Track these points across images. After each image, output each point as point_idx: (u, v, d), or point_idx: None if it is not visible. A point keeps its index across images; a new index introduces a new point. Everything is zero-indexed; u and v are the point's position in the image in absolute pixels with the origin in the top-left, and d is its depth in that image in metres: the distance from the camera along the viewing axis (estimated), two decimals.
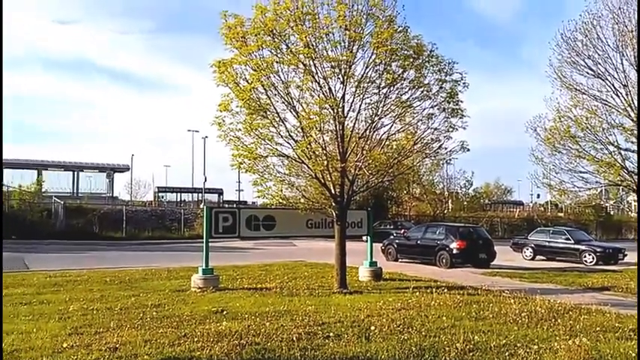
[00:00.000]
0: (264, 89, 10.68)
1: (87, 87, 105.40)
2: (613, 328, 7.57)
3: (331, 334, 7.01)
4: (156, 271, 14.18)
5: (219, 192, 60.63)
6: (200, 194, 57.36)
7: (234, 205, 48.59)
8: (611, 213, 56.53)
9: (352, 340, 6.70)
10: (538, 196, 68.81)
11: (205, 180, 53.87)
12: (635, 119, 16.01)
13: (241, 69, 10.73)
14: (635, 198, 20.10)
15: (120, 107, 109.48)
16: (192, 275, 11.51)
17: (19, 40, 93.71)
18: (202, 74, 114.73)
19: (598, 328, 7.55)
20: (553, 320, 8.09)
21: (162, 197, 60.29)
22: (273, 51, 10.52)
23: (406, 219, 39.19)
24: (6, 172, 42.78)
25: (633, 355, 6.12)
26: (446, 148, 11.79)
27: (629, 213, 63.06)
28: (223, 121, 10.83)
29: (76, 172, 48.77)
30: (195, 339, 6.59)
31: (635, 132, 16.03)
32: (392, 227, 31.40)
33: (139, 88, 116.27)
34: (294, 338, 6.71)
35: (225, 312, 8.49)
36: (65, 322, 7.58)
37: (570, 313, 8.72)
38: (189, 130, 59.03)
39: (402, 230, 26.19)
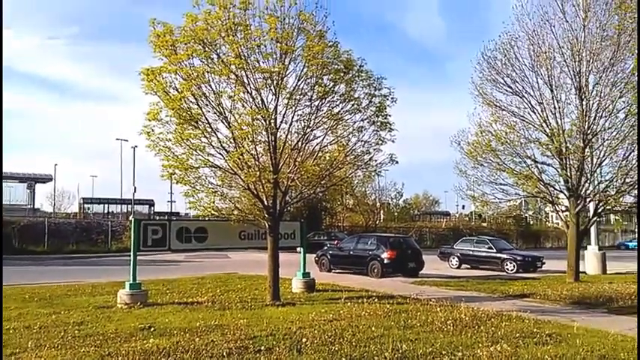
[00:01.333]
0: (195, 99, 10.51)
1: (8, 93, 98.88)
2: (532, 334, 8.01)
3: (262, 347, 6.94)
4: (79, 286, 13.49)
5: (150, 203, 58.64)
6: (129, 205, 55.21)
7: (166, 217, 47.18)
8: (531, 223, 60.11)
9: (283, 353, 6.67)
10: (463, 207, 72.09)
11: (135, 191, 51.87)
12: (549, 134, 17.18)
13: (171, 78, 10.51)
14: (551, 209, 21.45)
15: (44, 115, 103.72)
16: (119, 290, 11.04)
17: None
18: (132, 83, 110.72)
19: (518, 334, 7.96)
20: (476, 327, 8.45)
21: (89, 209, 57.48)
22: (204, 60, 10.39)
23: (340, 230, 39.68)
24: None
25: (549, 359, 6.50)
26: (376, 160, 12.11)
27: (547, 223, 67.33)
28: (152, 130, 10.55)
29: None
30: (120, 358, 6.31)
31: (551, 147, 17.20)
32: (326, 238, 31.65)
33: (64, 95, 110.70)
34: (225, 354, 6.59)
35: (152, 328, 8.19)
36: None
37: (492, 320, 9.14)
38: (117, 139, 56.79)
39: (336, 241, 26.47)
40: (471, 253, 23.75)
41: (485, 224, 55.00)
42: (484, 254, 23.23)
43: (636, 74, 15.69)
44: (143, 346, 6.93)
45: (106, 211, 57.13)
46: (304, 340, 7.35)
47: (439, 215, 71.18)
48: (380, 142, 11.80)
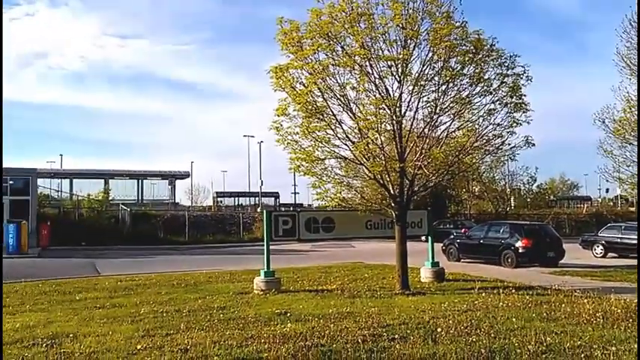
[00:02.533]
0: (321, 92, 10.77)
1: (145, 99, 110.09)
2: None
3: (396, 336, 6.93)
4: (219, 274, 14.57)
5: (276, 195, 61.59)
6: (257, 198, 58.49)
7: (291, 208, 49.21)
8: None
9: (418, 343, 6.59)
10: (607, 190, 65.41)
11: (262, 184, 54.86)
12: None
13: (297, 73, 10.88)
14: None
15: (179, 116, 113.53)
16: (255, 278, 11.73)
17: (81, 56, 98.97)
18: (257, 82, 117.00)
19: None
20: (630, 320, 7.64)
21: (221, 202, 61.92)
22: (328, 54, 10.59)
23: (466, 218, 38.22)
24: (75, 182, 45.51)
25: None
26: (509, 144, 11.45)
27: None
28: (281, 125, 11.02)
29: (140, 180, 50.94)
30: (262, 340, 6.69)
31: None
32: (452, 226, 30.73)
33: (195, 97, 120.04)
34: (359, 340, 6.68)
35: (288, 314, 8.58)
36: (137, 325, 7.91)
37: None
38: (245, 136, 60.37)
39: (463, 229, 25.55)
40: (618, 240, 21.48)
41: (633, 209, 49.38)
42: (634, 242, 20.85)
43: None
44: (282, 330, 7.29)
45: (236, 204, 61.13)
46: (439, 330, 7.20)
47: (579, 200, 65.50)
48: (514, 124, 11.11)
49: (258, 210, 45.65)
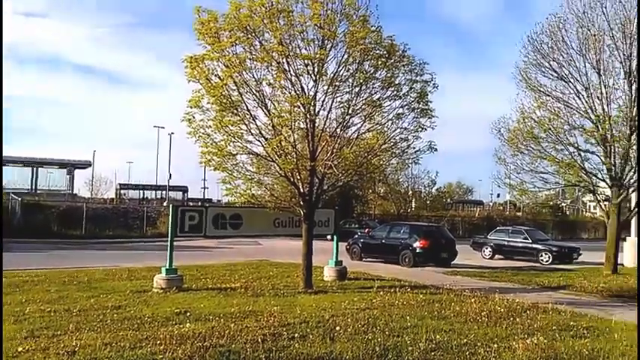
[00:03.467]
0: (236, 86, 10.59)
1: (46, 81, 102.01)
2: (568, 327, 7.85)
3: (296, 334, 7.01)
4: (117, 271, 13.83)
5: (184, 189, 59.80)
6: (164, 192, 56.39)
7: (199, 203, 48.02)
8: (567, 213, 58.59)
9: (317, 341, 6.71)
10: (498, 195, 70.80)
11: (170, 177, 53.04)
12: (594, 121, 16.60)
13: (213, 65, 10.62)
14: (592, 199, 20.86)
15: (83, 103, 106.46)
16: (155, 275, 11.29)
17: None
18: (172, 72, 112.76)
19: (554, 327, 7.81)
20: (512, 319, 8.33)
21: (125, 195, 58.95)
22: (246, 48, 10.44)
23: (371, 218, 39.54)
24: None
25: (586, 352, 6.36)
26: (414, 148, 11.95)
27: (584, 213, 65.52)
28: (193, 117, 10.73)
29: (35, 169, 47.21)
30: (158, 341, 6.45)
31: (595, 134, 16.63)
32: (357, 226, 31.63)
33: (101, 83, 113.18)
34: (259, 339, 6.68)
35: (188, 313, 8.36)
36: (21, 325, 7.31)
37: (528, 312, 9.00)
38: (154, 127, 57.88)
39: (367, 229, 26.42)
40: (505, 243, 23.37)
41: (520, 214, 53.87)
42: (519, 245, 22.83)
43: None
44: (179, 331, 7.08)
45: (141, 197, 58.49)
46: (337, 328, 7.39)
47: (472, 204, 70.08)
48: (419, 129, 11.63)
49: (164, 204, 44.06)
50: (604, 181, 17.39)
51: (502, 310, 9.00)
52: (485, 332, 7.43)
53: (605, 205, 17.67)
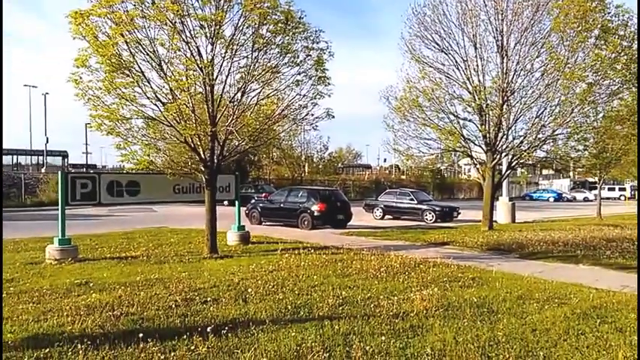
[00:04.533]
0: (127, 45, 10.00)
1: None
2: (456, 278, 8.75)
3: (208, 298, 7.10)
4: None
5: (64, 155, 55.28)
6: (41, 157, 51.72)
7: (83, 170, 44.84)
8: (445, 175, 63.45)
9: (230, 303, 6.86)
10: (385, 160, 74.59)
11: (47, 141, 48.68)
12: (471, 91, 18.08)
13: (101, 21, 9.91)
14: (467, 162, 22.87)
15: None
16: (47, 246, 10.60)
17: None
18: (45, 24, 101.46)
19: (445, 279, 8.67)
20: (407, 273, 9.09)
21: None
22: (137, 4, 9.84)
23: (266, 182, 39.81)
24: None
25: (475, 300, 7.19)
26: (312, 115, 12.24)
27: (460, 175, 71.39)
28: (80, 78, 10.00)
29: None
30: (65, 313, 6.21)
31: (472, 104, 18.14)
32: (253, 191, 31.77)
33: None
34: (172, 305, 6.69)
35: (91, 284, 8.06)
36: None
37: (420, 266, 9.85)
38: (25, 86, 52.36)
39: (264, 194, 26.66)
40: (394, 204, 24.89)
41: (404, 177, 57.36)
42: (406, 205, 24.45)
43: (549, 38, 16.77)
44: (85, 301, 6.85)
45: (14, 163, 53.18)
46: (249, 290, 7.58)
47: (361, 168, 73.10)
48: (317, 96, 11.89)
49: (43, 170, 40.55)
50: (480, 146, 19.11)
51: (398, 265, 9.77)
52: (385, 286, 8.06)
53: (480, 168, 19.48)
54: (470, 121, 18.92)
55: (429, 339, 5.41)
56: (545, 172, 72.94)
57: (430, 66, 18.86)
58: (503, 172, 20.75)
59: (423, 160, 28.20)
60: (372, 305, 6.85)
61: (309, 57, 11.78)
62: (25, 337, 5.39)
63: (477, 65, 18.07)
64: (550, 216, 28.56)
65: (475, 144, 19.16)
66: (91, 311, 6.36)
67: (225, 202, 20.34)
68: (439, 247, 13.48)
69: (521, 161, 19.99)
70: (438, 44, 18.60)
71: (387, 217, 24.76)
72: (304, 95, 11.95)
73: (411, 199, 24.54)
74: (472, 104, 18.21)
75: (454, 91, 18.73)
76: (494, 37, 17.94)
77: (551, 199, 55.20)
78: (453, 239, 15.00)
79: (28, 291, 7.49)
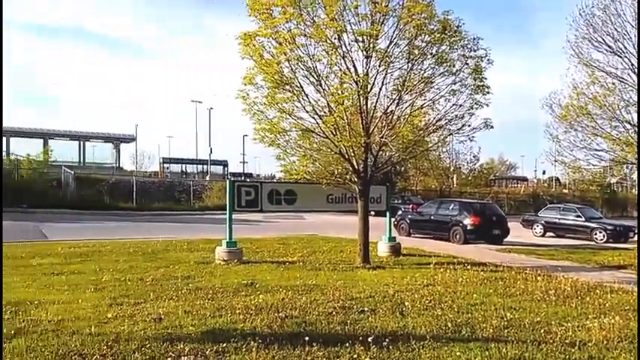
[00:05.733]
0: (289, 63, 10.61)
1: (87, 54, 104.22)
2: None
3: (365, 308, 7.12)
4: (176, 242, 14.31)
5: (224, 164, 60.82)
6: (204, 165, 57.50)
7: (242, 177, 48.75)
8: (615, 190, 56.61)
9: (387, 315, 6.81)
10: (543, 172, 68.83)
11: (211, 152, 53.99)
12: None
13: (266, 42, 10.66)
14: None
15: (120, 76, 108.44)
16: (216, 247, 11.63)
17: (13, 7, 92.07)
18: (210, 45, 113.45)
19: (627, 307, 7.64)
20: (580, 298, 8.18)
21: (167, 168, 60.40)
22: (300, 24, 10.40)
23: (413, 194, 39.33)
24: (12, 140, 42.92)
25: None
26: (469, 125, 11.77)
27: (633, 190, 63.17)
28: (247, 94, 10.85)
29: (82, 142, 48.72)
30: (237, 311, 6.70)
31: None
32: (400, 202, 31.57)
33: (141, 58, 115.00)
34: (331, 312, 6.83)
35: (256, 285, 8.61)
36: (102, 293, 7.71)
37: (596, 291, 8.82)
38: (192, 101, 58.81)
39: (411, 205, 26.34)
40: (556, 221, 22.88)
41: (566, 191, 52.46)
42: (571, 222, 22.32)
43: None
44: (252, 301, 7.31)
45: (182, 171, 59.87)
46: (405, 303, 7.45)
47: (516, 181, 68.59)
48: (475, 106, 11.42)
49: (207, 178, 44.95)
50: None
51: (568, 288, 8.84)
52: (555, 311, 7.35)
53: None
54: None
55: None
56: None
57: (601, 70, 16.99)
58: None
59: (589, 173, 25.55)
60: (541, 330, 6.28)
61: (466, 66, 11.40)
62: (204, 330, 5.90)
63: None
64: None
65: None
66: (258, 311, 6.77)
67: (372, 212, 20.44)
68: (614, 271, 11.99)
69: None
70: (610, 46, 16.65)
71: (548, 234, 22.81)
72: (460, 105, 11.57)
73: (578, 216, 22.33)
74: None
75: (630, 97, 16.66)
76: None
77: None
78: (630, 262, 13.25)
79: (203, 288, 8.23)
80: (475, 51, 11.36)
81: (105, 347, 5.11)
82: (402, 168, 40.16)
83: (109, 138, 51.28)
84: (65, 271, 9.40)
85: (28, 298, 7.11)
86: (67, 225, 19.71)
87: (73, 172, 31.19)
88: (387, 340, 5.55)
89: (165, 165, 61.06)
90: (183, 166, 62.44)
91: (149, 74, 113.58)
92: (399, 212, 22.03)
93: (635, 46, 16.31)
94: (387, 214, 14.12)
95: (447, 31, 10.99)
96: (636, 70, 16.37)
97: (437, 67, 11.26)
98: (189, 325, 6.04)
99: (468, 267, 11.08)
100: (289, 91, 10.79)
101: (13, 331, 5.53)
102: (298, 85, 10.78)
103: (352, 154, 11.16)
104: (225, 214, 12.02)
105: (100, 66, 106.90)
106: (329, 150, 11.61)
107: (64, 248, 12.39)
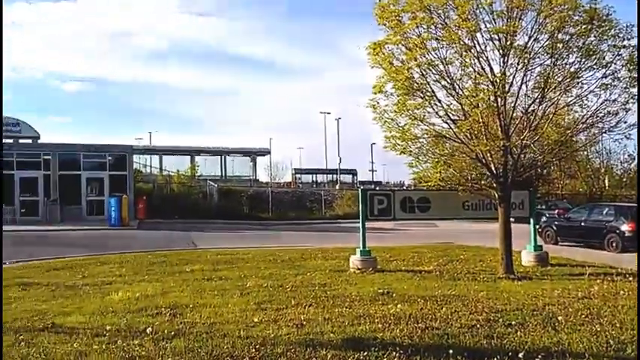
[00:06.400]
0: (419, 68, 10.45)
1: (221, 76, 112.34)
2: None
3: (512, 322, 6.66)
4: (311, 251, 14.78)
5: (354, 173, 61.62)
6: (334, 175, 58.83)
7: (372, 186, 49.05)
8: None
9: (537, 330, 6.31)
10: None
11: (340, 161, 55.09)
12: None
13: (395, 49, 10.63)
14: None
15: (252, 93, 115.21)
16: (351, 256, 11.77)
17: (162, 35, 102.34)
18: (333, 57, 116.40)
19: None
20: None
21: (299, 178, 62.85)
22: (430, 29, 10.20)
23: (558, 198, 36.23)
24: (164, 158, 47.95)
25: None
26: (625, 122, 10.57)
27: None
28: (378, 103, 10.88)
29: (223, 157, 52.69)
30: (376, 320, 6.69)
31: None
32: (544, 207, 29.24)
33: (269, 74, 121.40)
34: (475, 324, 6.51)
35: (392, 294, 8.51)
36: (247, 298, 8.20)
37: None
38: (321, 113, 60.58)
39: (557, 210, 24.29)
40: None
41: None
42: None
43: None
44: (390, 311, 7.24)
45: (312, 181, 61.83)
46: (558, 317, 6.84)
47: None
48: (631, 100, 10.23)
49: (337, 187, 45.93)
50: None
51: None
52: None
53: None
54: None
55: None
56: None
57: None
58: None
59: None
60: None
61: (618, 57, 10.31)
62: (343, 338, 5.97)
63: None
64: None
65: None
66: (397, 321, 6.68)
67: (512, 219, 19.21)
68: None
69: None
70: None
71: None
72: (613, 100, 10.46)
73: None
74: None
75: None
76: None
77: None
78: None
79: (339, 296, 8.35)
80: (629, 40, 10.24)
81: (253, 350, 5.40)
82: (545, 171, 37.23)
83: (246, 152, 54.83)
84: (214, 277, 10.18)
85: (183, 302, 7.81)
86: (212, 234, 21.41)
87: (216, 185, 33.88)
88: (539, 356, 5.16)
89: (297, 175, 63.61)
90: (314, 175, 64.58)
91: (282, 91, 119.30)
92: (544, 218, 20.43)
93: None
94: (532, 220, 13.17)
95: (594, 21, 10.05)
96: None
97: (584, 60, 10.34)
98: (330, 332, 6.16)
99: (630, 278, 9.87)
100: (420, 97, 10.61)
101: (172, 332, 6.08)
102: (430, 91, 10.56)
103: (490, 159, 10.62)
104: (356, 222, 12.13)
105: (243, 86, 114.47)
106: (463, 155, 11.18)
107: (211, 255, 13.47)
